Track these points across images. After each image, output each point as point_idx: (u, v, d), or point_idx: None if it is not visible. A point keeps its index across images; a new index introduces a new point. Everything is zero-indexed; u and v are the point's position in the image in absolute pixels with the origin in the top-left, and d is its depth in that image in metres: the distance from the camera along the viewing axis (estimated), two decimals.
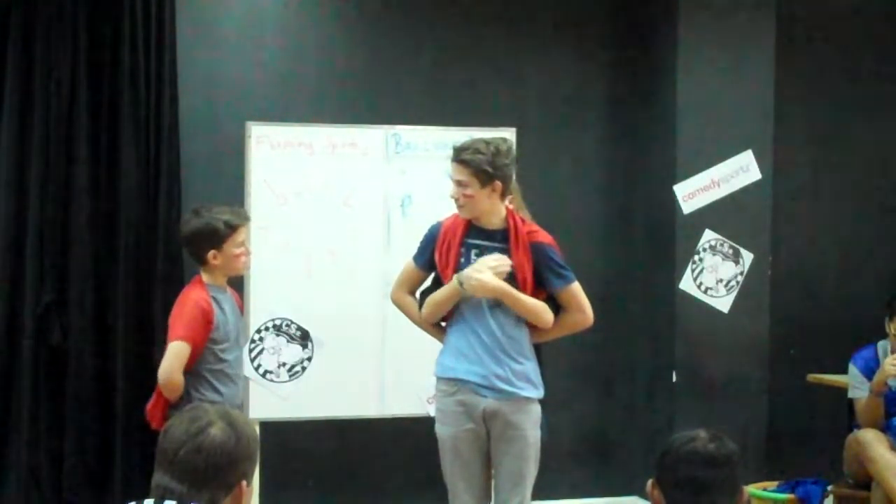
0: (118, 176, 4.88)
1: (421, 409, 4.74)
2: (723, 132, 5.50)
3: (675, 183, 5.45)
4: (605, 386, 5.79)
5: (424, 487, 4.83)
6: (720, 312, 5.49)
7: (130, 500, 2.14)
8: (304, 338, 4.78)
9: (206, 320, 4.02)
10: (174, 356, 3.96)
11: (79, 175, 4.84)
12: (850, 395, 4.93)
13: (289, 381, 4.76)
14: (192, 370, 4.03)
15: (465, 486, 3.83)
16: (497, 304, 3.76)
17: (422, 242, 3.93)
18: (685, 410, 5.42)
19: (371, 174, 4.83)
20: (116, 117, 4.89)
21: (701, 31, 5.49)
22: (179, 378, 3.97)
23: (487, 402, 3.76)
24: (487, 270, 3.69)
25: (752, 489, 5.06)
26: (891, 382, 4.76)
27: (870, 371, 4.79)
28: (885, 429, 4.75)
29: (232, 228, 4.08)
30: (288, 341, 4.76)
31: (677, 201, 5.44)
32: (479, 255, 3.77)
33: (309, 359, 4.78)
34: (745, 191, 5.51)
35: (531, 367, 3.82)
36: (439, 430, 3.86)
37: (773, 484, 5.22)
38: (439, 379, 3.86)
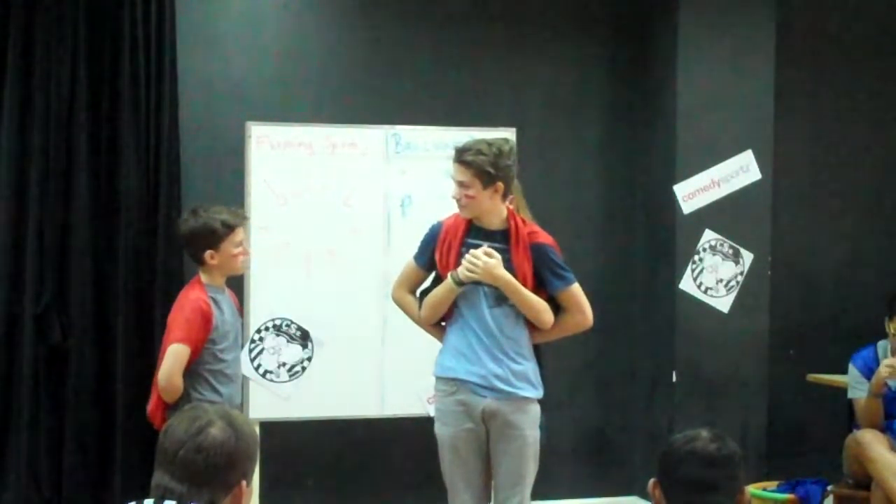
0: (118, 176, 4.88)
1: (421, 409, 4.75)
2: (723, 132, 5.50)
3: (675, 183, 5.45)
4: (605, 386, 5.79)
5: (424, 487, 4.83)
6: (720, 312, 5.49)
7: (130, 500, 2.14)
8: (304, 338, 4.78)
9: (205, 321, 4.02)
10: (174, 359, 3.96)
11: (79, 175, 4.84)
12: (850, 395, 4.93)
13: (289, 381, 4.77)
14: (191, 370, 4.03)
15: (465, 485, 3.83)
16: (497, 304, 3.76)
17: (422, 242, 3.93)
18: (685, 410, 5.42)
19: (371, 174, 4.84)
20: (116, 117, 4.88)
21: (701, 31, 5.49)
22: (179, 381, 3.97)
23: (487, 402, 3.76)
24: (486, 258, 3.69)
25: (752, 489, 5.06)
26: (891, 383, 4.77)
27: (869, 371, 4.79)
28: (884, 429, 4.75)
29: (229, 228, 4.08)
30: (288, 341, 4.76)
31: (677, 201, 5.45)
32: None
33: (309, 359, 4.78)
34: (745, 191, 5.51)
35: (530, 368, 3.82)
36: (439, 429, 3.86)
37: (773, 484, 5.22)
38: (439, 379, 3.86)
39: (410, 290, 3.98)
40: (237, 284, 4.50)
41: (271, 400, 4.73)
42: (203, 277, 4.13)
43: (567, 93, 5.72)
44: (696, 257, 5.47)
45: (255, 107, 5.09)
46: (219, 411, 2.15)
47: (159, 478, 2.09)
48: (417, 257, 3.94)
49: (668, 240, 5.51)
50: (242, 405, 4.53)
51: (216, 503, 2.08)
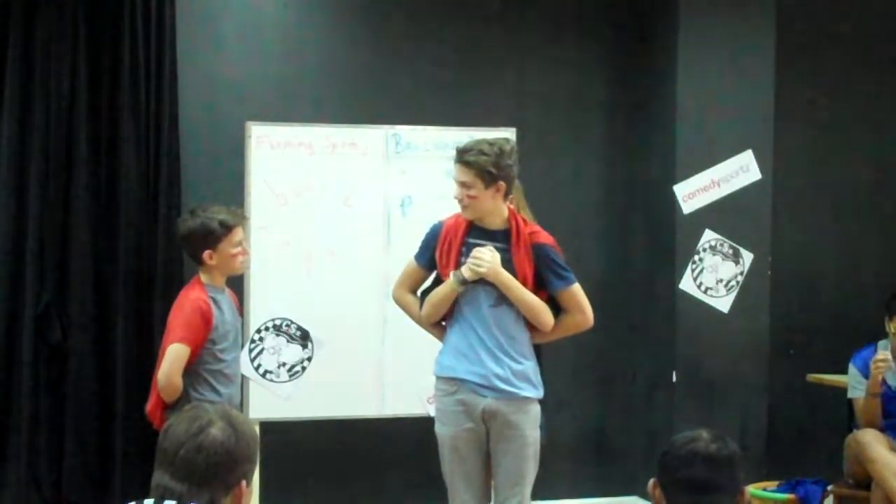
0: (118, 176, 4.89)
1: (421, 409, 4.75)
2: (723, 132, 5.50)
3: (675, 183, 5.45)
4: (605, 386, 5.79)
5: (424, 487, 4.83)
6: (720, 312, 5.49)
7: (130, 500, 2.14)
8: (304, 338, 4.78)
9: (205, 321, 4.01)
10: (174, 359, 3.96)
11: (79, 175, 4.84)
12: (850, 394, 4.93)
13: (289, 381, 4.76)
14: (191, 370, 4.02)
15: (465, 485, 3.83)
16: (497, 304, 3.76)
17: (423, 241, 3.93)
18: (685, 410, 5.42)
19: (371, 174, 4.83)
20: (116, 117, 4.89)
21: (701, 31, 5.49)
22: (179, 380, 3.97)
23: (487, 402, 3.76)
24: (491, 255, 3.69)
25: (752, 489, 5.05)
26: (890, 382, 4.77)
27: (869, 371, 4.79)
28: (884, 429, 4.76)
29: (227, 228, 4.08)
30: (288, 341, 4.76)
31: (677, 201, 5.45)
32: None
33: (309, 359, 4.78)
34: (745, 191, 5.51)
35: (531, 367, 3.82)
36: (439, 429, 3.86)
37: (773, 484, 5.22)
38: (439, 378, 3.86)
39: (411, 290, 3.98)
40: (237, 284, 4.50)
41: (271, 400, 4.73)
42: (203, 277, 4.13)
43: (567, 93, 5.72)
44: (696, 257, 5.47)
45: (255, 107, 5.09)
46: (219, 411, 2.15)
47: (159, 478, 2.09)
48: (418, 257, 3.94)
49: (668, 240, 5.51)
50: (242, 405, 4.53)
51: (216, 503, 2.08)
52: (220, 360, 4.10)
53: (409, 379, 4.73)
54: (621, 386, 5.79)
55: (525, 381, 3.79)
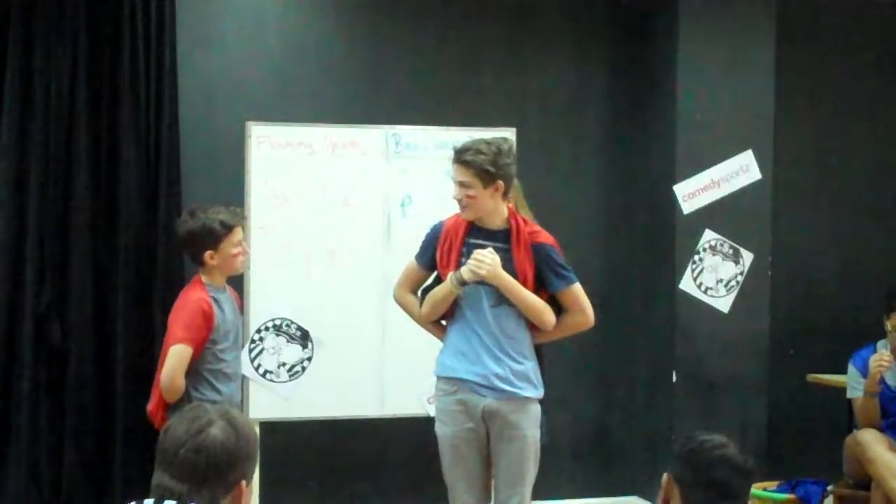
0: (118, 176, 4.88)
1: (421, 409, 4.75)
2: (723, 132, 5.50)
3: (675, 183, 5.45)
4: (605, 386, 5.79)
5: (424, 487, 4.83)
6: (720, 312, 5.49)
7: (130, 500, 2.14)
8: (304, 338, 4.78)
9: (207, 321, 4.02)
10: (176, 359, 3.96)
11: (79, 175, 4.83)
12: (849, 394, 4.93)
13: (289, 381, 4.77)
14: (192, 370, 4.03)
15: (465, 485, 3.83)
16: (498, 304, 3.76)
17: (424, 241, 3.94)
18: (685, 410, 5.43)
19: (371, 174, 4.84)
20: (116, 117, 4.88)
21: (701, 30, 5.49)
22: (182, 381, 3.98)
23: (487, 402, 3.76)
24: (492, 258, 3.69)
25: (752, 489, 5.05)
26: (889, 382, 4.77)
27: (868, 371, 4.79)
28: (884, 429, 4.75)
29: (228, 228, 4.09)
30: (288, 341, 4.76)
31: (677, 201, 5.45)
32: None
33: (309, 359, 4.78)
34: (745, 191, 5.51)
35: (531, 367, 3.82)
36: (439, 429, 3.86)
37: (773, 484, 5.22)
38: (439, 378, 3.87)
39: (412, 290, 3.98)
40: (237, 284, 4.50)
41: (271, 400, 4.73)
42: (203, 277, 4.13)
43: (567, 93, 5.72)
44: (696, 257, 5.47)
45: (255, 107, 5.09)
46: (219, 411, 2.15)
47: (159, 478, 2.09)
48: (419, 257, 3.94)
49: (668, 240, 5.51)
50: (242, 405, 4.53)
51: (216, 503, 2.08)
52: (221, 360, 4.11)
53: (409, 379, 4.74)
54: (621, 386, 5.79)
55: (525, 380, 3.79)
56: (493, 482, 3.88)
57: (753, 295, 5.54)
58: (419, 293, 3.96)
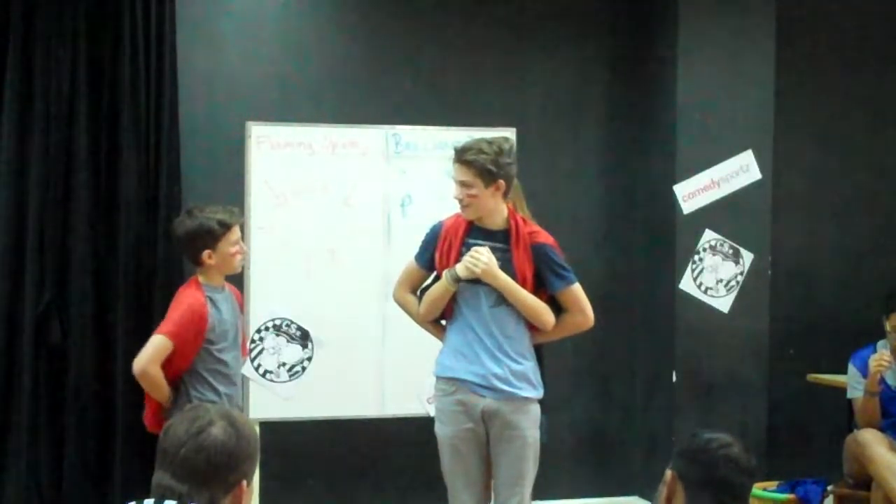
0: (118, 176, 4.88)
1: (421, 409, 4.75)
2: (723, 132, 5.50)
3: (675, 183, 5.45)
4: (605, 386, 5.79)
5: (424, 487, 4.83)
6: (720, 312, 5.49)
7: (130, 500, 2.14)
8: (304, 338, 4.78)
9: (199, 320, 4.02)
10: (153, 349, 3.97)
11: (79, 175, 4.83)
12: (849, 394, 4.94)
13: (289, 381, 4.76)
14: (190, 370, 4.04)
15: (465, 485, 3.83)
16: (497, 304, 3.76)
17: (423, 241, 3.94)
18: (685, 410, 5.43)
19: (371, 174, 4.83)
20: (116, 118, 4.88)
21: (701, 31, 5.49)
22: (155, 371, 3.97)
23: (486, 402, 3.76)
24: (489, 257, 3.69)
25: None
26: (889, 382, 4.77)
27: (868, 371, 4.79)
28: (884, 429, 4.75)
29: (226, 227, 4.09)
30: (288, 341, 4.76)
31: (677, 201, 5.45)
32: None
33: (309, 359, 4.78)
34: (745, 191, 5.51)
35: (530, 367, 3.82)
36: (439, 429, 3.86)
37: (773, 484, 5.22)
38: (438, 378, 3.87)
39: (412, 290, 3.98)
40: (237, 284, 4.50)
41: (271, 400, 4.73)
42: (201, 277, 4.14)
43: (567, 93, 5.72)
44: (696, 257, 5.47)
45: (255, 107, 5.09)
46: (220, 411, 2.16)
47: (160, 477, 2.09)
48: (418, 257, 3.94)
49: (668, 240, 5.51)
50: (242, 405, 4.52)
51: (216, 503, 2.08)
52: (219, 360, 4.11)
53: (409, 379, 4.73)
54: (621, 386, 5.79)
55: (524, 381, 3.79)
56: (492, 482, 3.88)
57: (753, 295, 5.54)
58: (419, 293, 3.96)
